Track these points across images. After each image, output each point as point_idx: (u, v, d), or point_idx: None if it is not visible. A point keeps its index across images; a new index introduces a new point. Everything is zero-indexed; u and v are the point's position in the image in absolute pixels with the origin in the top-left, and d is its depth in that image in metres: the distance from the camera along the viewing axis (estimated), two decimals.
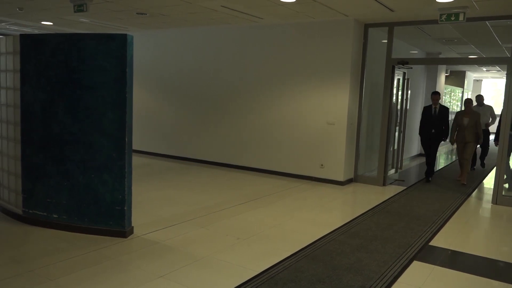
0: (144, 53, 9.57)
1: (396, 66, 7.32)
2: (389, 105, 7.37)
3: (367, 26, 7.36)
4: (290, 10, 6.54)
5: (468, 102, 7.98)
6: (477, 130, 7.63)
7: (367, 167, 8.08)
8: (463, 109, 8.66)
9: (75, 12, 6.57)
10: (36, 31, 9.94)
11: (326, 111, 7.37)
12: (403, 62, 7.21)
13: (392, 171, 8.18)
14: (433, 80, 11.84)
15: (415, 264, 3.95)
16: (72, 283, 3.30)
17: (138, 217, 4.74)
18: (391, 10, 6.28)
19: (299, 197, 6.44)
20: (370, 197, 6.62)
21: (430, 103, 8.01)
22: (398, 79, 7.80)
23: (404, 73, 7.92)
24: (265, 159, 8.12)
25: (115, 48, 4.16)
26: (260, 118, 8.13)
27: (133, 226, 4.47)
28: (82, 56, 4.25)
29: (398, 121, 7.93)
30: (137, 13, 7.39)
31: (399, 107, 7.88)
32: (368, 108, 7.87)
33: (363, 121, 7.70)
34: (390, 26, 7.16)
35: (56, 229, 4.45)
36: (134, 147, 4.73)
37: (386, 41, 7.27)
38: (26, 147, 4.57)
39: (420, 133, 8.05)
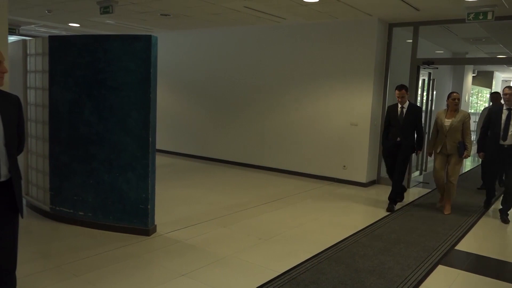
0: (167, 54, 9.68)
1: (421, 66, 7.19)
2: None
3: (391, 26, 7.26)
4: (313, 10, 6.51)
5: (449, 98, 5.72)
6: (463, 136, 5.53)
7: None
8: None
9: (101, 14, 6.72)
10: (63, 33, 10.18)
11: (349, 112, 7.30)
12: (429, 62, 7.08)
13: (417, 173, 8.04)
14: (460, 80, 11.58)
15: (440, 268, 3.87)
16: (98, 280, 3.37)
17: (161, 216, 4.80)
18: (417, 10, 6.17)
19: (321, 198, 6.40)
20: None
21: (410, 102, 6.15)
22: (423, 80, 7.66)
23: (430, 74, 7.78)
24: (287, 159, 8.10)
25: (140, 49, 4.23)
26: (282, 119, 8.12)
27: (156, 225, 4.53)
28: (108, 57, 4.34)
29: (423, 122, 7.77)
30: (161, 15, 7.49)
31: (424, 108, 7.73)
32: None
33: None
34: (415, 26, 7.04)
35: (81, 226, 4.55)
36: (158, 146, 4.79)
37: (411, 40, 7.16)
38: (54, 145, 4.69)
39: (382, 143, 6.06)
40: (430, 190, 7.21)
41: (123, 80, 4.31)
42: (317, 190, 6.91)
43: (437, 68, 7.81)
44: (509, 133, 5.31)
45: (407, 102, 5.75)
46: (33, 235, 4.33)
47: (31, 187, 5.25)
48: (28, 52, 5.05)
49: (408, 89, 5.79)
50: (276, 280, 3.46)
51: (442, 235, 4.80)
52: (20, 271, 2.47)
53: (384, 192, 6.94)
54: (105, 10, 6.58)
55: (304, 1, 5.95)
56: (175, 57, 9.74)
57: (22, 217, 2.38)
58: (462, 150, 5.49)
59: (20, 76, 5.12)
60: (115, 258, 3.82)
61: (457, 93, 5.69)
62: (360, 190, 7.03)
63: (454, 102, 5.54)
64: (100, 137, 4.43)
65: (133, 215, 4.41)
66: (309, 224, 5.05)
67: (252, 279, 3.47)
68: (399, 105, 5.73)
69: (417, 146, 5.82)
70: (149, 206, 4.37)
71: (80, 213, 4.59)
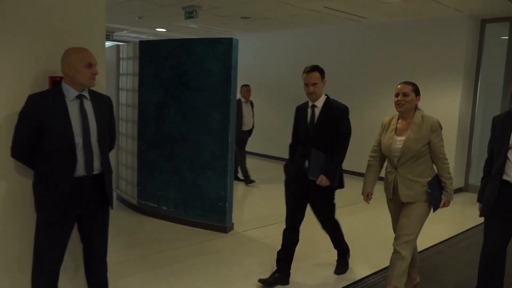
0: (246, 56, 9.87)
1: None
2: (509, 107, 6.65)
3: (483, 22, 6.73)
4: (396, 8, 6.25)
5: None
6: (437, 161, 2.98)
7: (481, 176, 7.37)
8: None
9: (185, 18, 7.05)
10: (151, 37, 10.84)
11: (433, 114, 6.81)
12: None
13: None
14: None
15: None
16: (180, 272, 3.53)
17: (238, 214, 4.90)
18: None
19: None
20: None
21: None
22: None
23: None
24: (366, 162, 7.84)
25: (222, 52, 4.37)
26: (360, 120, 7.88)
27: (233, 223, 4.64)
28: (192, 59, 4.54)
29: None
30: (241, 18, 7.67)
31: None
32: (484, 111, 7.18)
33: (477, 125, 7.06)
34: None
35: (164, 220, 4.81)
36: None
37: (506, 37, 6.58)
38: (142, 143, 5.01)
39: (284, 168, 3.52)
40: None
41: (205, 81, 4.48)
42: None
43: None
44: None
45: (323, 98, 3.29)
46: (121, 226, 4.65)
47: (121, 181, 5.66)
48: (121, 56, 5.45)
49: (324, 75, 3.27)
50: (351, 286, 3.37)
51: None
52: (110, 259, 2.66)
53: (471, 200, 6.45)
54: (190, 15, 6.89)
55: None
56: (253, 59, 9.91)
57: (112, 208, 2.57)
58: (436, 197, 2.94)
59: (113, 78, 5.54)
60: (195, 252, 3.98)
61: (408, 83, 2.97)
62: None
63: (399, 103, 2.93)
64: (183, 137, 4.65)
65: (211, 212, 4.56)
66: (387, 231, 4.83)
67: (326, 284, 3.42)
68: (309, 104, 3.33)
69: (329, 170, 3.29)
70: (227, 204, 4.49)
71: (164, 207, 4.85)
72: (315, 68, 3.24)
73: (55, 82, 2.45)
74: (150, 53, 4.84)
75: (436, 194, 2.94)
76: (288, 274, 3.40)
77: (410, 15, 6.77)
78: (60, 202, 2.29)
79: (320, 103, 3.27)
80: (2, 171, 2.42)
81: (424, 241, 4.51)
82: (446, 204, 3.02)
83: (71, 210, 2.35)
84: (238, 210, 4.95)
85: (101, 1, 2.75)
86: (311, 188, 3.27)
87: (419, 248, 4.28)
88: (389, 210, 3.17)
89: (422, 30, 6.97)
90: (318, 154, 3.18)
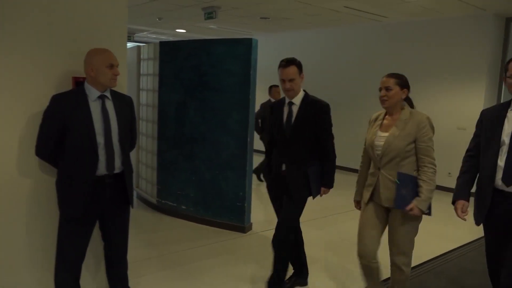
0: (265, 56, 9.87)
1: None
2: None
3: (508, 20, 6.57)
4: (418, 6, 6.15)
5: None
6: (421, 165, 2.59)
7: None
8: None
9: (205, 19, 7.09)
10: (171, 38, 10.95)
11: (456, 115, 6.76)
12: None
13: None
14: None
15: None
16: (198, 271, 3.55)
17: (257, 214, 4.90)
18: None
19: None
20: None
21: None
22: None
23: None
24: None
25: (241, 52, 4.37)
26: None
27: (252, 223, 4.64)
28: (211, 60, 4.56)
29: None
30: (260, 18, 7.67)
31: None
32: None
33: None
34: None
35: (183, 219, 4.84)
36: (256, 147, 4.91)
37: None
38: (161, 143, 5.06)
39: (263, 173, 3.44)
40: None
41: (225, 82, 4.50)
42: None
43: None
44: None
45: (302, 94, 3.00)
46: (141, 225, 4.70)
47: (141, 180, 5.73)
48: (141, 57, 5.52)
49: (301, 69, 2.96)
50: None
51: None
52: (130, 257, 2.70)
53: None
54: (209, 15, 6.93)
55: None
56: (271, 59, 9.88)
57: (132, 207, 2.60)
58: (405, 196, 2.54)
59: (134, 79, 5.62)
60: (213, 252, 3.99)
61: (392, 75, 2.64)
62: None
63: (381, 98, 2.64)
64: (203, 136, 4.68)
65: (230, 212, 4.57)
66: None
67: (345, 286, 3.39)
68: (286, 101, 3.04)
69: (324, 181, 3.08)
70: (245, 204, 4.50)
71: (183, 207, 4.89)
72: (292, 62, 2.90)
73: (78, 83, 2.50)
74: (170, 53, 4.89)
75: (407, 193, 2.52)
76: (301, 276, 3.31)
77: (431, 14, 6.65)
78: (82, 200, 2.33)
79: (298, 100, 2.97)
80: (27, 170, 2.48)
81: (447, 244, 4.43)
82: (414, 210, 2.49)
83: (92, 208, 2.39)
84: (257, 210, 4.95)
85: (122, 3, 2.79)
86: (286, 187, 2.99)
87: (442, 251, 4.21)
88: (363, 213, 2.75)
89: (444, 29, 6.84)
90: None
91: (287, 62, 2.89)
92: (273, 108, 3.13)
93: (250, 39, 4.34)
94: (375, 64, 7.84)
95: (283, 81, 2.90)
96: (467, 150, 2.64)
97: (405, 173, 2.54)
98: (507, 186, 2.29)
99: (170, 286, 3.30)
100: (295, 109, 2.95)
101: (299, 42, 9.23)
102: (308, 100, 2.98)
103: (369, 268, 2.75)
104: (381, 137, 2.61)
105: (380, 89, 2.62)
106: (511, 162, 2.27)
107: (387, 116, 2.70)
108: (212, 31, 9.55)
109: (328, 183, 3.07)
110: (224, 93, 4.51)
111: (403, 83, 2.62)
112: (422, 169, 2.54)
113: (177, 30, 9.74)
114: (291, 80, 2.88)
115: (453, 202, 2.63)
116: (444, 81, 6.90)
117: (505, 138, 2.31)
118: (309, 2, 6.22)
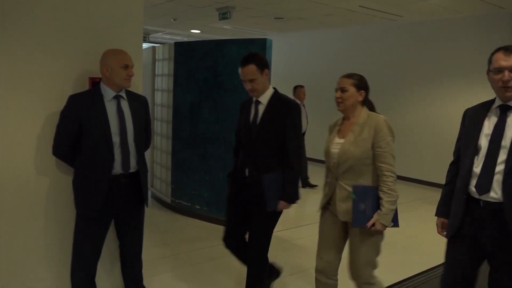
0: (280, 57, 9.86)
1: None
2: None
3: None
4: (434, 5, 6.07)
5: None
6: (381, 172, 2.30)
7: None
8: None
9: (220, 20, 7.12)
10: (185, 39, 11.02)
11: None
12: None
13: None
14: None
15: None
16: (211, 271, 3.57)
17: None
18: None
19: None
20: None
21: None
22: None
23: None
24: (403, 165, 7.64)
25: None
26: (397, 123, 7.66)
27: None
28: (225, 60, 4.57)
29: None
30: (275, 18, 7.66)
31: None
32: None
33: None
34: None
35: (197, 219, 4.87)
36: None
37: None
38: (176, 143, 5.09)
39: (227, 178, 3.07)
40: None
41: (239, 82, 4.48)
42: (435, 198, 6.42)
43: None
44: (496, 174, 1.98)
45: (270, 92, 2.73)
46: (155, 224, 4.74)
47: (155, 180, 5.77)
48: (156, 57, 5.56)
49: (264, 65, 2.64)
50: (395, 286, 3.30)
51: None
52: (144, 255, 2.72)
53: None
54: (224, 16, 6.95)
55: None
56: (286, 59, 9.88)
57: (147, 206, 2.62)
58: (361, 211, 2.27)
59: (149, 79, 5.67)
60: (226, 251, 3.99)
61: (349, 75, 2.45)
62: None
63: (336, 100, 2.44)
64: (217, 136, 4.69)
65: None
66: (425, 235, 4.72)
67: None
68: (253, 100, 2.76)
69: (284, 194, 2.65)
70: None
71: (197, 206, 4.91)
72: (250, 60, 2.57)
73: (95, 83, 2.53)
74: (185, 54, 4.91)
75: (366, 207, 2.24)
76: (273, 272, 3.12)
77: (448, 13, 6.56)
78: (98, 199, 2.36)
79: (265, 99, 2.67)
80: (44, 169, 2.52)
81: None
82: (376, 226, 2.24)
83: (108, 207, 2.42)
84: None
85: (139, 4, 2.82)
86: (250, 203, 2.70)
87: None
88: (321, 226, 2.51)
89: (461, 29, 6.74)
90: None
91: (245, 61, 2.60)
92: (243, 107, 2.84)
93: (265, 39, 4.34)
94: (388, 63, 7.76)
95: (243, 81, 2.64)
96: (454, 155, 2.34)
97: (361, 185, 2.28)
98: (480, 194, 2.01)
99: (184, 285, 3.32)
100: (261, 108, 2.67)
101: (313, 42, 9.20)
102: (276, 98, 2.69)
103: (326, 285, 2.51)
104: (337, 144, 2.37)
105: (336, 90, 2.41)
106: (487, 168, 1.98)
107: (344, 121, 2.45)
108: (226, 31, 9.58)
109: (287, 197, 2.63)
110: (238, 93, 4.51)
111: (361, 84, 2.39)
112: (381, 179, 2.26)
113: (192, 31, 9.80)
114: (251, 80, 2.59)
115: (436, 214, 2.46)
116: (462, 81, 6.79)
117: (482, 140, 2.03)
118: (325, 2, 6.19)
